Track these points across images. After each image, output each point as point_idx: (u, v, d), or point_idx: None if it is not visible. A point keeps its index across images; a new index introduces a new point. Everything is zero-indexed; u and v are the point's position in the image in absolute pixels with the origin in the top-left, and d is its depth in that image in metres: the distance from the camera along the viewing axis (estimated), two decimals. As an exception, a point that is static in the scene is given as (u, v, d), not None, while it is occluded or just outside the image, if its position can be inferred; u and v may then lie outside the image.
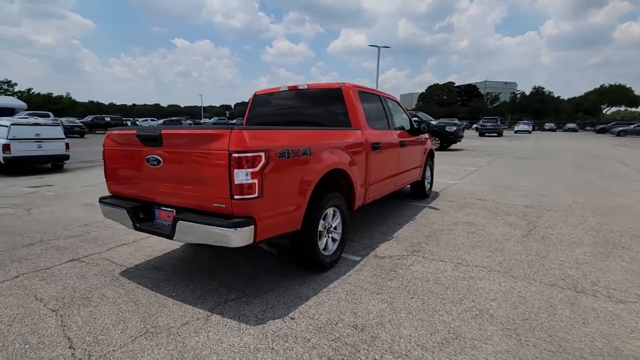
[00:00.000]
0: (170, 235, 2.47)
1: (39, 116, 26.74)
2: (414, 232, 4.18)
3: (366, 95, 4.01)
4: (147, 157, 2.59)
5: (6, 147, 8.94)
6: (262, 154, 2.27)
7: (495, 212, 5.06)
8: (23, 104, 34.29)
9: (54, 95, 76.95)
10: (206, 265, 3.28)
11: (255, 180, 2.24)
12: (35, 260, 3.40)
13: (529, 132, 39.22)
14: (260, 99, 4.29)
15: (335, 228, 3.23)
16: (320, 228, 2.95)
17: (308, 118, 3.89)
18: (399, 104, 5.00)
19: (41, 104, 66.17)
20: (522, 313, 2.41)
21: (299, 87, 3.94)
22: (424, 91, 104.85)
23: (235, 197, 2.22)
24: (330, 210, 3.08)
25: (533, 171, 9.27)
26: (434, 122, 16.00)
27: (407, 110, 5.41)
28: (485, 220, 4.66)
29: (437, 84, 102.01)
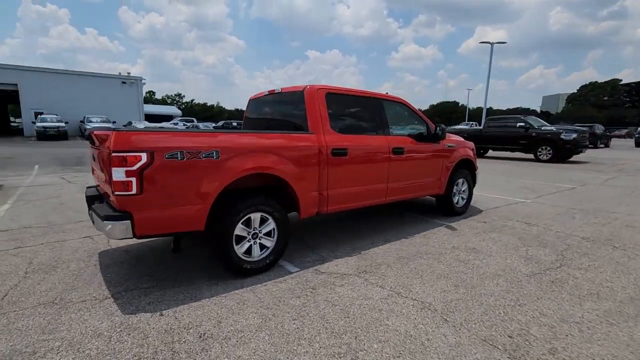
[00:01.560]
0: (93, 223, 2.84)
1: (186, 121, 32.83)
2: (393, 251, 3.67)
3: (342, 98, 3.74)
4: (92, 154, 3.03)
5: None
6: (144, 154, 2.41)
7: (527, 240, 4.01)
8: (179, 112, 42.94)
9: (208, 105, 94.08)
10: (163, 255, 3.59)
11: (133, 179, 2.39)
12: (66, 234, 4.29)
13: None
14: (252, 104, 4.45)
15: (269, 234, 3.13)
16: (238, 232, 2.92)
17: (279, 121, 3.86)
18: (408, 107, 4.44)
19: (199, 111, 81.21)
20: (395, 365, 1.92)
21: (275, 91, 3.93)
22: (576, 91, 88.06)
23: (115, 192, 2.42)
24: (256, 216, 3.00)
25: (663, 195, 6.87)
26: (549, 128, 13.40)
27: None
28: (501, 248, 3.75)
29: (595, 82, 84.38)
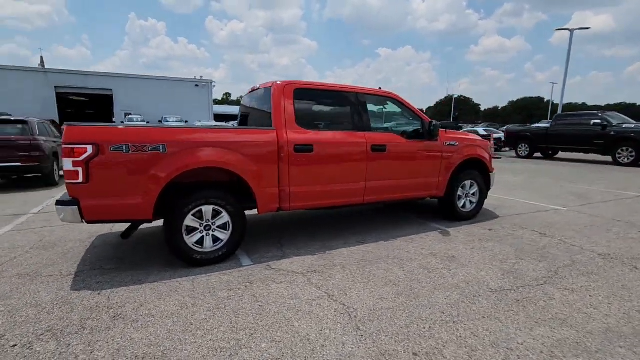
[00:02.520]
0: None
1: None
2: (360, 253, 3.49)
3: (315, 93, 3.66)
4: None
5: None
6: (89, 146, 2.65)
7: (525, 253, 3.49)
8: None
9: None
10: (148, 240, 3.88)
11: (79, 169, 2.64)
12: (87, 218, 4.88)
13: None
14: (243, 100, 4.57)
15: (224, 227, 3.21)
16: (189, 223, 3.05)
17: (257, 117, 3.90)
18: (400, 102, 4.13)
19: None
20: (267, 367, 1.85)
21: (255, 88, 3.99)
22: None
23: (66, 181, 2.70)
24: (207, 208, 3.10)
25: None
26: (632, 126, 11.41)
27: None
28: (484, 259, 3.33)
29: None
